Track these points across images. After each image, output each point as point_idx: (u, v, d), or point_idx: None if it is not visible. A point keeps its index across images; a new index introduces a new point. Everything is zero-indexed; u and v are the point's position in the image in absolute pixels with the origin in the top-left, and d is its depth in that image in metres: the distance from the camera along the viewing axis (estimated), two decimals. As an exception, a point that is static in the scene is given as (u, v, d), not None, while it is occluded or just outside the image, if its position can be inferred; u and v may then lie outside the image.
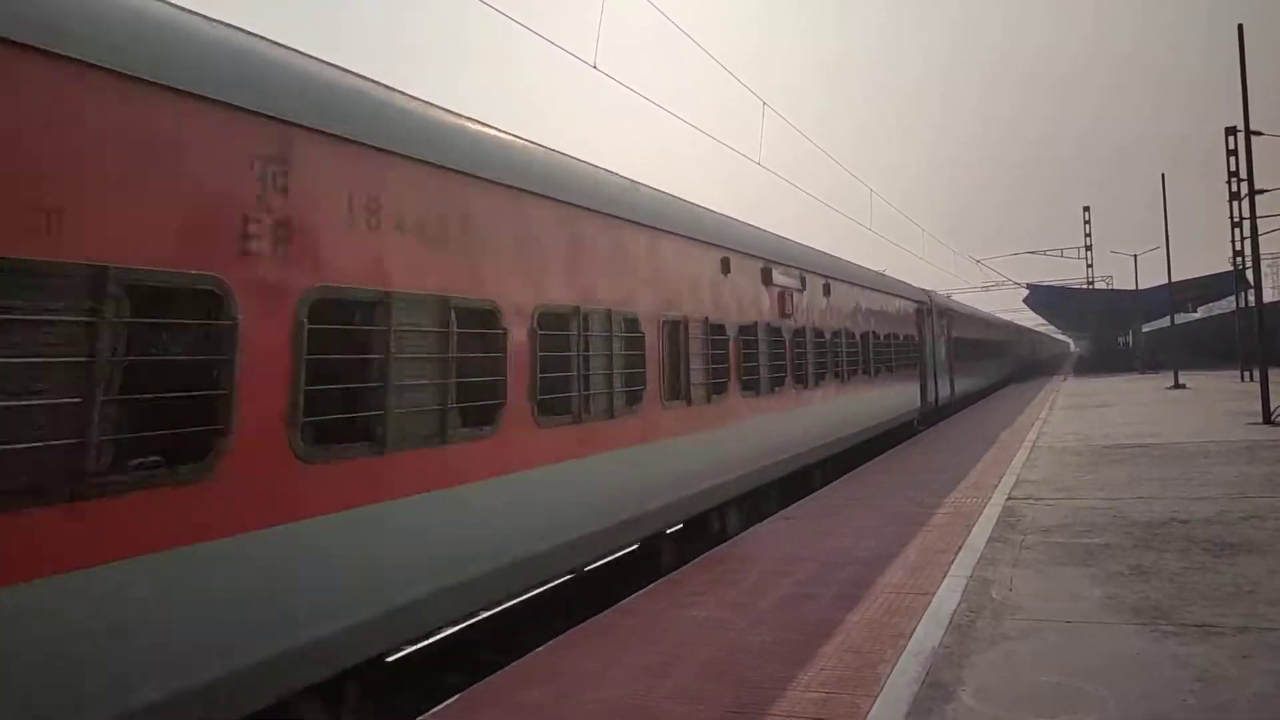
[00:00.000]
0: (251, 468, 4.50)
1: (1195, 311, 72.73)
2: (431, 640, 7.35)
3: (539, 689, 5.46)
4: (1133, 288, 52.16)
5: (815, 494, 12.86)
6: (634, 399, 8.39)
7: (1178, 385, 34.00)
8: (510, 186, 6.70)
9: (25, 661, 3.56)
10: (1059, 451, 16.31)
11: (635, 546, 8.76)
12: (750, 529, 10.45)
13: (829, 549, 9.01)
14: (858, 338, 17.00)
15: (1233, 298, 42.14)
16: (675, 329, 9.44)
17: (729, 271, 10.96)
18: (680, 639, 6.32)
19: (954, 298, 37.21)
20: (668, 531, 9.29)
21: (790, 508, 11.77)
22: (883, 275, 21.45)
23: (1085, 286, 62.48)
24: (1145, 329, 69.01)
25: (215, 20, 4.82)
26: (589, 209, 7.86)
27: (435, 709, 5.27)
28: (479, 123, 6.76)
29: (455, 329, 5.89)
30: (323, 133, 5.08)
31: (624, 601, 7.46)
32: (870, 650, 5.87)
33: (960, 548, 8.73)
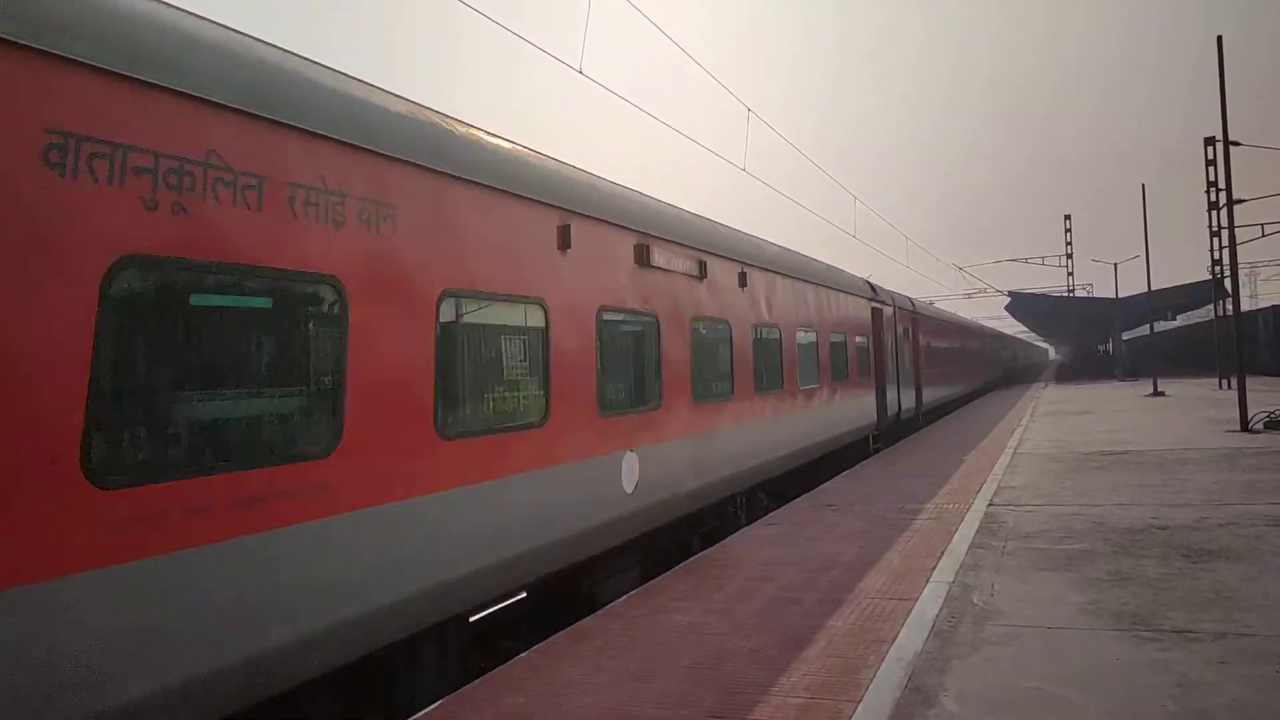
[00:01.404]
0: None
1: (1174, 320, 73.47)
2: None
3: (523, 695, 5.45)
4: (1113, 296, 52.63)
5: (798, 499, 12.90)
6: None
7: (1157, 393, 34.32)
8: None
9: None
10: (1040, 458, 16.42)
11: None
12: (733, 535, 10.47)
13: (812, 554, 9.04)
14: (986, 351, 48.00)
15: (1211, 306, 42.59)
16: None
17: (976, 341, 42.26)
18: (663, 644, 6.32)
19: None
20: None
21: (773, 513, 11.80)
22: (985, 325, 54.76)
23: (1066, 294, 62.96)
24: (1125, 337, 69.59)
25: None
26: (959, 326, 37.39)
27: (418, 715, 5.24)
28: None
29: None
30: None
31: (608, 606, 7.46)
32: (853, 655, 5.89)
33: (942, 553, 8.78)
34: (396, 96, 6.04)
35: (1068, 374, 71.35)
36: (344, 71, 5.69)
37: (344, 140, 5.19)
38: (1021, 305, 66.40)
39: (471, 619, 6.74)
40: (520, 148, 7.28)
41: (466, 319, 6.32)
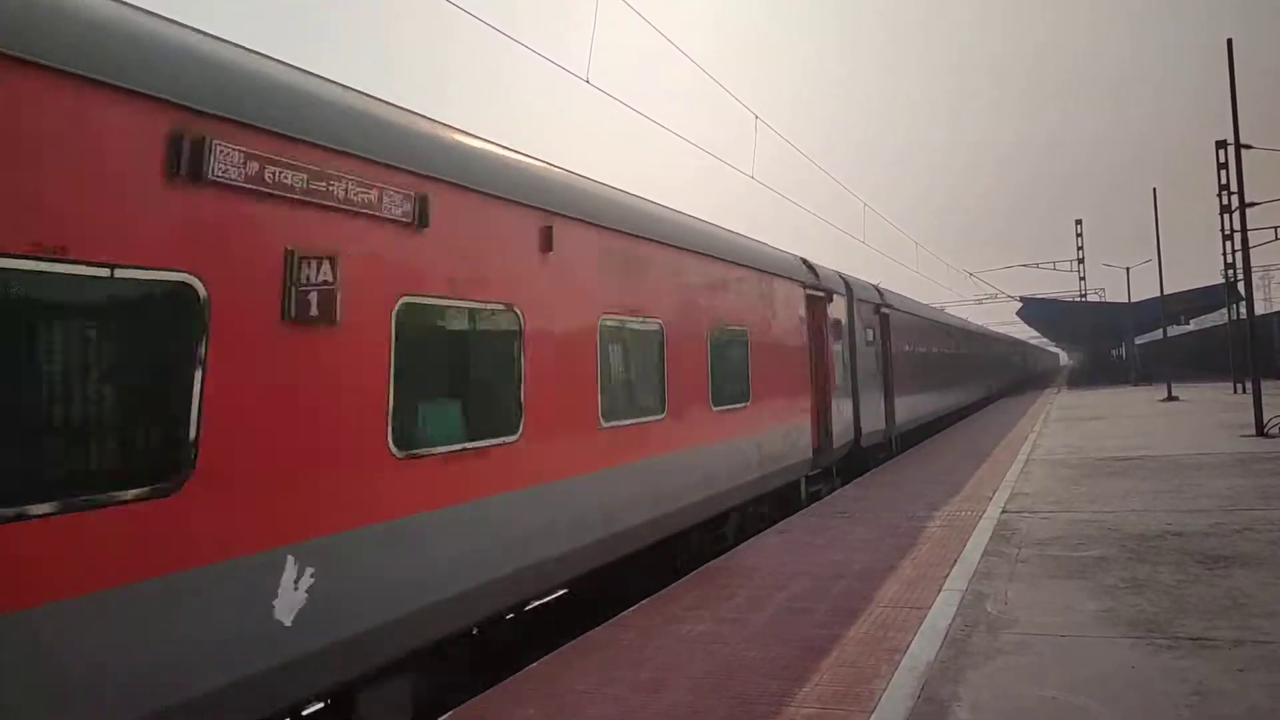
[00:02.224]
0: None
1: (1188, 324, 73.04)
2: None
3: (533, 706, 5.43)
4: (1125, 300, 52.35)
5: (809, 507, 12.84)
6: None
7: (1171, 397, 34.07)
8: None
9: None
10: (1053, 464, 16.32)
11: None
12: (744, 543, 10.42)
13: (824, 563, 8.99)
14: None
15: (1225, 310, 42.32)
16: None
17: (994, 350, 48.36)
18: (674, 655, 6.29)
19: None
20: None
21: (784, 521, 11.74)
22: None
23: (1078, 299, 62.68)
24: (1138, 341, 69.25)
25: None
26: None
27: (428, 727, 5.22)
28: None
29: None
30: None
31: (617, 617, 7.43)
32: (865, 665, 5.84)
33: (955, 561, 8.71)
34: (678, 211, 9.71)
35: (1080, 379, 70.96)
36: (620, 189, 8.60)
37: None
38: (1033, 311, 66.14)
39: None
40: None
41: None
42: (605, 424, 7.80)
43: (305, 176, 4.85)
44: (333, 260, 4.98)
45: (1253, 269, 22.33)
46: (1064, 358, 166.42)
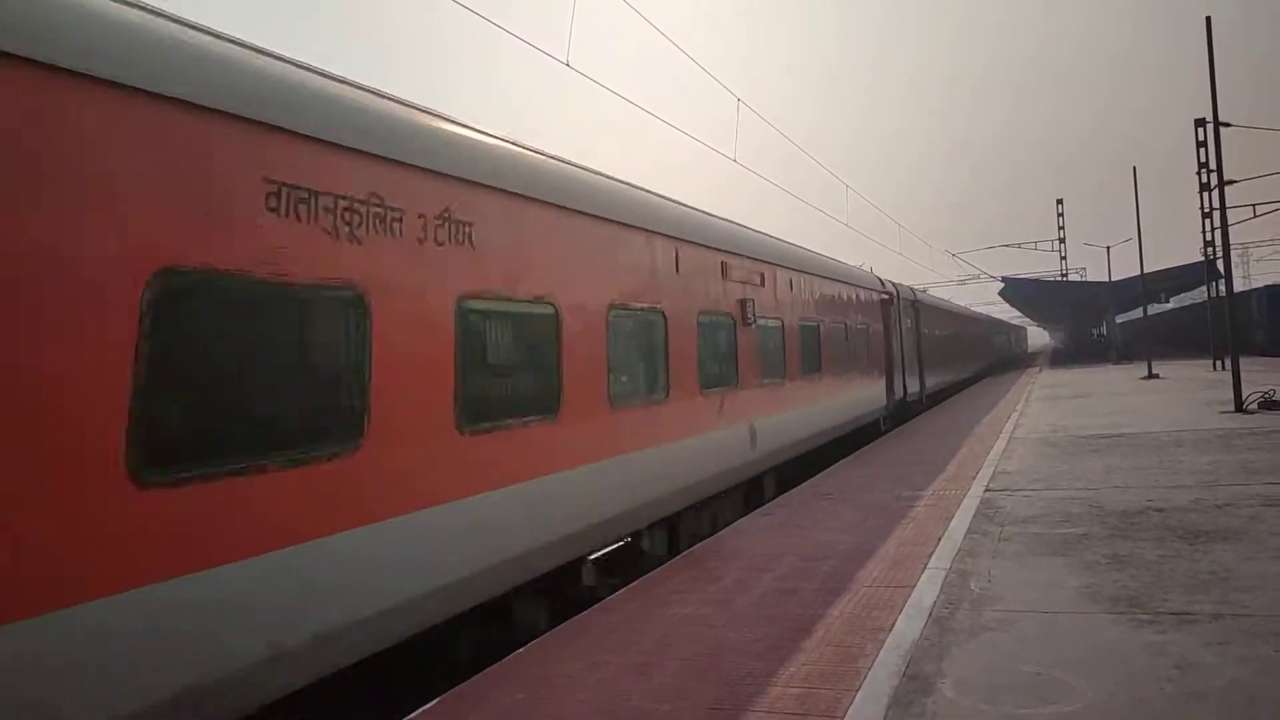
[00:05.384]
0: None
1: (1168, 302, 73.60)
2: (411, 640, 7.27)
3: (522, 691, 5.43)
4: (1106, 279, 52.70)
5: (795, 489, 12.90)
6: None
7: (1151, 375, 34.38)
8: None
9: None
10: (1036, 442, 16.44)
11: None
12: (729, 526, 10.46)
13: (809, 544, 9.03)
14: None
15: (1204, 288, 42.69)
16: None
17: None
18: (661, 637, 6.31)
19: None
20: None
21: (771, 503, 11.79)
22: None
23: (1059, 278, 63.02)
24: (1119, 320, 69.78)
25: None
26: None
27: (417, 712, 5.23)
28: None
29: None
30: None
31: (605, 600, 7.45)
32: (851, 644, 5.88)
33: (939, 540, 8.77)
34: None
35: (1062, 358, 71.47)
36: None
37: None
38: (1014, 291, 66.47)
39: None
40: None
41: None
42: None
43: None
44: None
45: (1231, 247, 22.45)
46: (1043, 337, 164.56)
